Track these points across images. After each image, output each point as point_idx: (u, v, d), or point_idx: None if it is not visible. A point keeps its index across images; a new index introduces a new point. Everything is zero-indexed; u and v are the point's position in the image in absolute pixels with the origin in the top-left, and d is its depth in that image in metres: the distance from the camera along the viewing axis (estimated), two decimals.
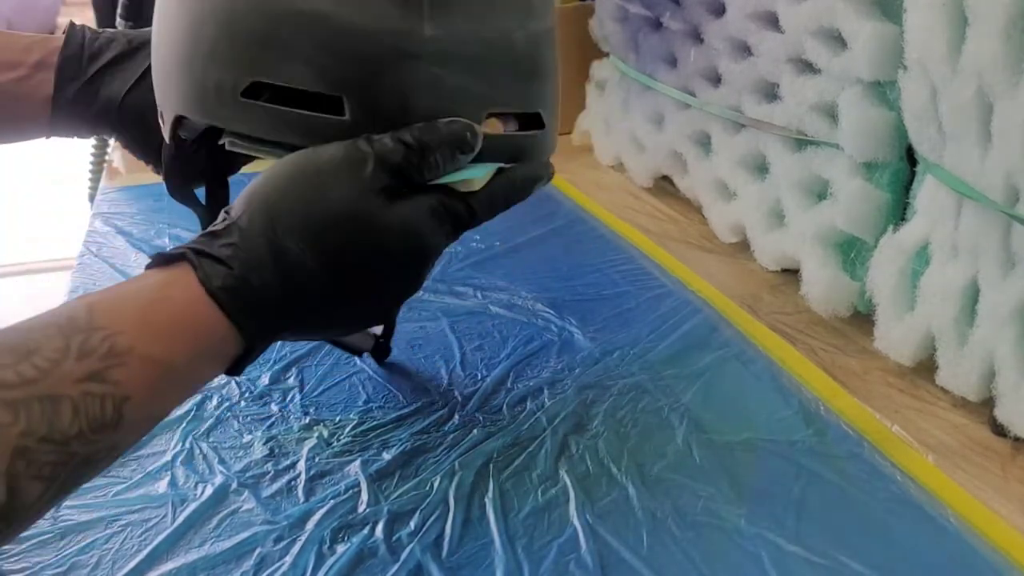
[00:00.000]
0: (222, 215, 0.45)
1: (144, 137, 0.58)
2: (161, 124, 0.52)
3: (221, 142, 0.48)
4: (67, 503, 0.54)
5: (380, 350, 0.67)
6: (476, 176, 0.48)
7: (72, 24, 0.58)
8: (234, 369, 0.45)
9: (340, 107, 0.46)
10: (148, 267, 0.43)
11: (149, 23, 0.54)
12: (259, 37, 0.46)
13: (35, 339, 0.37)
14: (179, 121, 0.50)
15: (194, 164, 0.57)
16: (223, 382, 0.66)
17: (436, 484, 0.55)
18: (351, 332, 0.53)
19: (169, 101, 0.50)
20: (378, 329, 0.66)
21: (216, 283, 0.42)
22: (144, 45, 0.57)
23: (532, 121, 0.53)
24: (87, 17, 0.97)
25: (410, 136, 0.45)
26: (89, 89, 0.57)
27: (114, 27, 1.02)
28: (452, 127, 0.46)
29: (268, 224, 0.43)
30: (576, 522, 0.52)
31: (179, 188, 0.56)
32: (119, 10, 0.81)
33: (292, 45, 0.45)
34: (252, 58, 0.46)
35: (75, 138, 0.60)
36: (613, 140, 1.11)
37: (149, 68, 0.53)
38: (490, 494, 0.54)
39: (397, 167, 0.45)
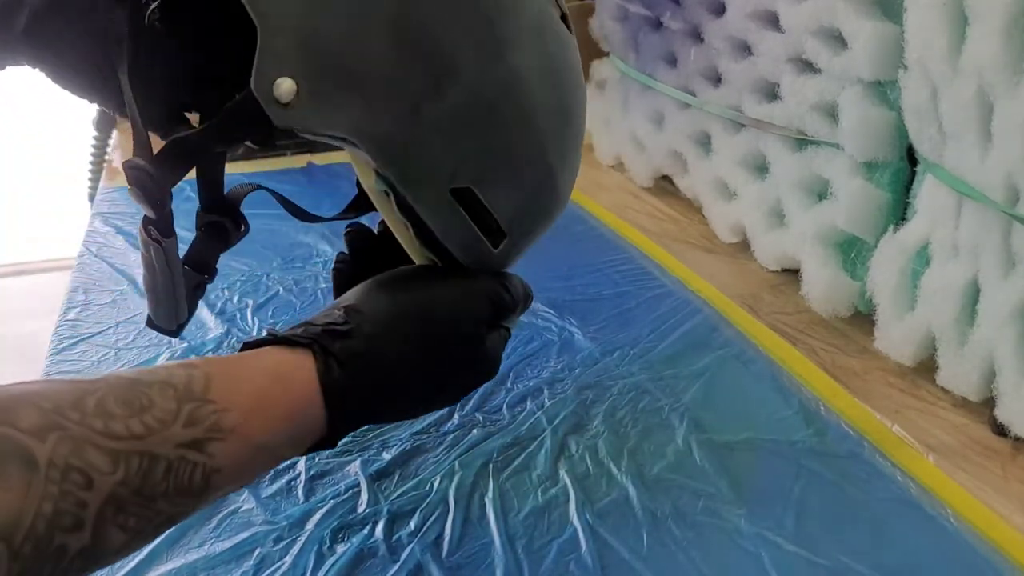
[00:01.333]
0: (340, 312, 0.47)
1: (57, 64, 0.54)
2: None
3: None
4: None
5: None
6: None
7: None
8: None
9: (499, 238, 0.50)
10: (266, 342, 0.45)
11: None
12: (505, 159, 0.49)
13: (149, 396, 0.38)
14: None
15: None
16: None
17: (436, 484, 0.55)
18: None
19: (338, 114, 0.45)
20: None
21: (335, 384, 0.44)
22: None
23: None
24: None
25: (512, 285, 0.52)
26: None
27: None
28: (527, 288, 0.54)
29: (390, 338, 0.46)
30: (576, 522, 0.52)
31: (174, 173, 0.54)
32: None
33: (521, 183, 0.50)
34: (484, 168, 0.48)
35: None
36: (613, 140, 1.11)
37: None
38: (490, 494, 0.54)
39: (497, 309, 0.50)
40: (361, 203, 0.63)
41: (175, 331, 0.60)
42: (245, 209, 0.61)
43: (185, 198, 0.57)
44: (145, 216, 0.51)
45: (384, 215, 0.53)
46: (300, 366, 0.44)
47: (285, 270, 0.84)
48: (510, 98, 0.47)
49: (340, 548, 0.50)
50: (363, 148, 0.46)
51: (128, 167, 0.48)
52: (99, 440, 0.36)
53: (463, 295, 0.50)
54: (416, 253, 0.52)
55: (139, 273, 0.84)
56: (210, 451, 0.39)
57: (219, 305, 0.78)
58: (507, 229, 0.50)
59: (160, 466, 0.37)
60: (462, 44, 0.46)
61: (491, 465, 0.57)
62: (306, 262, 0.86)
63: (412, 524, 0.52)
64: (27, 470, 0.33)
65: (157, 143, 0.49)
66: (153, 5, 0.48)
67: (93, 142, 1.16)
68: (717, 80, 0.89)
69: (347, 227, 0.61)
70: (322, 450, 0.46)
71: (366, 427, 0.61)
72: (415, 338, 0.47)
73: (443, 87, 0.45)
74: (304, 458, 0.58)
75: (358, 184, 0.60)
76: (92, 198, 1.13)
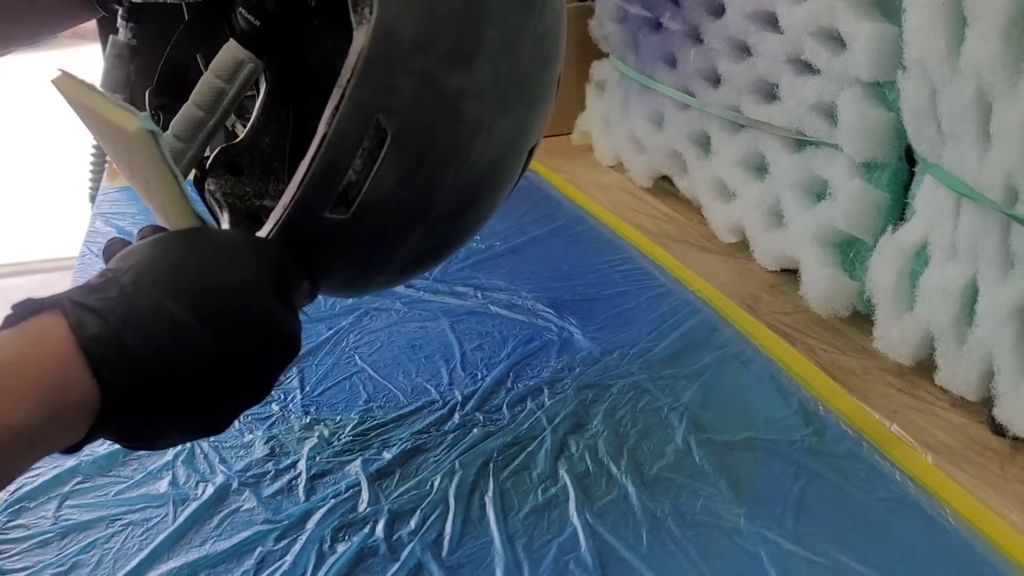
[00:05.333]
0: (100, 273, 0.42)
1: None
2: None
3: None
4: (68, 502, 0.54)
5: None
6: None
7: None
8: (80, 444, 0.40)
9: None
10: (16, 316, 0.39)
11: (150, 25, 0.54)
12: None
13: None
14: None
15: None
16: None
17: (436, 483, 0.55)
18: (210, 429, 0.45)
19: None
20: None
21: (89, 332, 0.38)
22: None
23: None
24: None
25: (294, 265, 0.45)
26: None
27: (116, 30, 1.02)
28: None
29: (155, 286, 0.40)
30: (576, 521, 0.52)
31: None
32: (120, 11, 0.82)
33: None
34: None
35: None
36: (613, 140, 1.11)
37: None
38: (490, 493, 0.55)
39: (285, 275, 0.44)
40: None
41: None
42: None
43: None
44: None
45: (142, 166, 0.46)
46: (51, 326, 0.38)
47: None
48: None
49: (341, 547, 0.51)
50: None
51: None
52: None
53: (244, 240, 0.44)
54: (179, 212, 0.45)
55: None
56: None
57: None
58: (359, 210, 0.46)
59: None
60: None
61: (491, 465, 0.57)
62: None
63: (412, 523, 0.52)
64: None
65: None
66: None
67: (94, 143, 1.16)
68: (716, 81, 0.89)
69: None
70: (114, 437, 0.41)
71: (366, 425, 0.61)
72: (194, 281, 0.41)
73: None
74: (305, 457, 0.58)
75: None
76: (93, 198, 1.13)
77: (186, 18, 0.58)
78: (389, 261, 0.51)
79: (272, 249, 0.45)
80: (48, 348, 0.38)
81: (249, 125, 0.59)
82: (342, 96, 0.44)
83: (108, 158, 1.17)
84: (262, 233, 0.47)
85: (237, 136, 0.60)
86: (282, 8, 0.52)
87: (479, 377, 0.67)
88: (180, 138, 0.51)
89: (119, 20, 0.92)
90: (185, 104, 0.52)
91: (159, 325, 0.39)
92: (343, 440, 0.60)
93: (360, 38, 0.44)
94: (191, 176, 0.54)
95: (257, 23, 0.51)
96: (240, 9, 0.51)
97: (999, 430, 0.58)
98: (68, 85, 0.46)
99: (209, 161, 0.56)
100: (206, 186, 0.56)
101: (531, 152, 0.54)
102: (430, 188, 0.48)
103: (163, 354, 0.39)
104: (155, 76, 0.58)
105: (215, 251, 0.43)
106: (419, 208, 0.49)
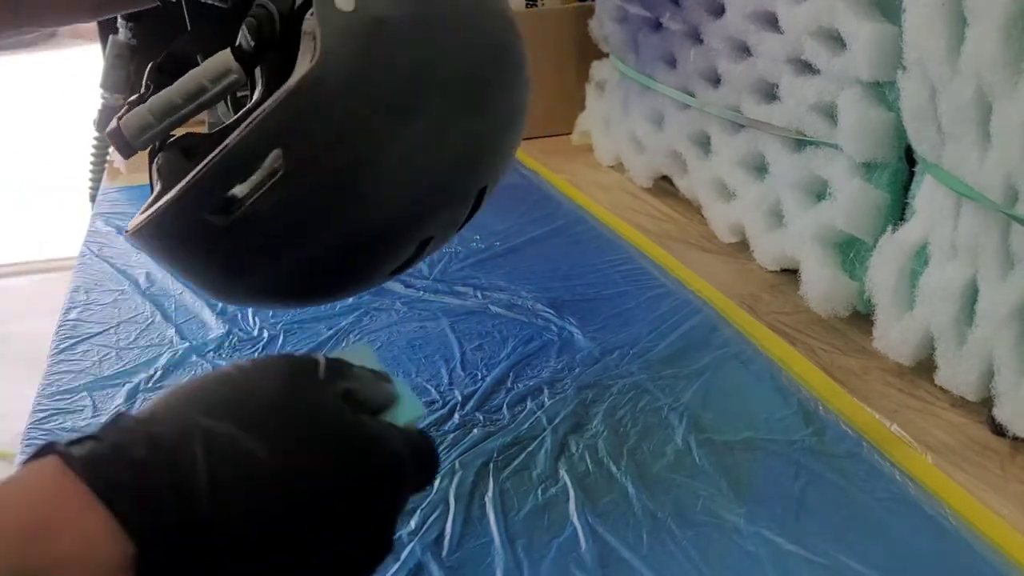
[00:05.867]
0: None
1: None
2: None
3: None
4: None
5: None
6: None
7: None
8: None
9: None
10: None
11: (149, 25, 0.54)
12: None
13: None
14: None
15: None
16: None
17: (436, 483, 0.55)
18: None
19: None
20: None
21: (78, 453, 0.31)
22: None
23: None
24: None
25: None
26: None
27: (116, 30, 1.03)
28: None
29: (180, 409, 0.33)
30: (576, 521, 0.52)
31: None
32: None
33: None
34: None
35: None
36: (613, 140, 1.11)
37: None
38: (490, 493, 0.55)
39: (347, 387, 0.37)
40: None
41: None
42: None
43: None
44: None
45: None
46: (42, 464, 0.31)
47: None
48: None
49: None
50: None
51: None
52: None
53: (289, 360, 0.36)
54: None
55: (140, 273, 0.85)
56: None
57: (220, 304, 0.78)
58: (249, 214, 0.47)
59: None
60: None
61: (491, 465, 0.57)
62: None
63: (412, 523, 0.52)
64: None
65: None
66: None
67: (94, 142, 1.16)
68: (716, 81, 0.90)
69: None
70: None
71: None
72: (230, 399, 0.33)
73: None
74: None
75: None
76: (93, 198, 1.13)
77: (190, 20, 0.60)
78: (252, 279, 0.53)
79: (325, 363, 0.37)
80: (34, 481, 0.30)
81: (222, 125, 0.62)
82: (255, 117, 0.46)
83: (108, 157, 1.17)
84: (141, 217, 0.50)
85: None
86: (279, 38, 0.54)
87: (479, 377, 0.67)
88: (152, 113, 0.54)
89: (119, 20, 0.92)
90: (168, 87, 0.55)
91: (182, 441, 0.31)
92: None
93: (295, 75, 0.47)
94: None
95: (252, 44, 0.53)
96: (243, 27, 0.53)
97: (999, 430, 0.58)
98: None
99: (170, 140, 0.59)
100: (156, 159, 0.58)
101: (424, 243, 0.54)
102: (301, 235, 0.50)
103: (195, 474, 0.30)
104: (162, 53, 0.61)
105: (256, 368, 0.35)
106: (288, 246, 0.50)
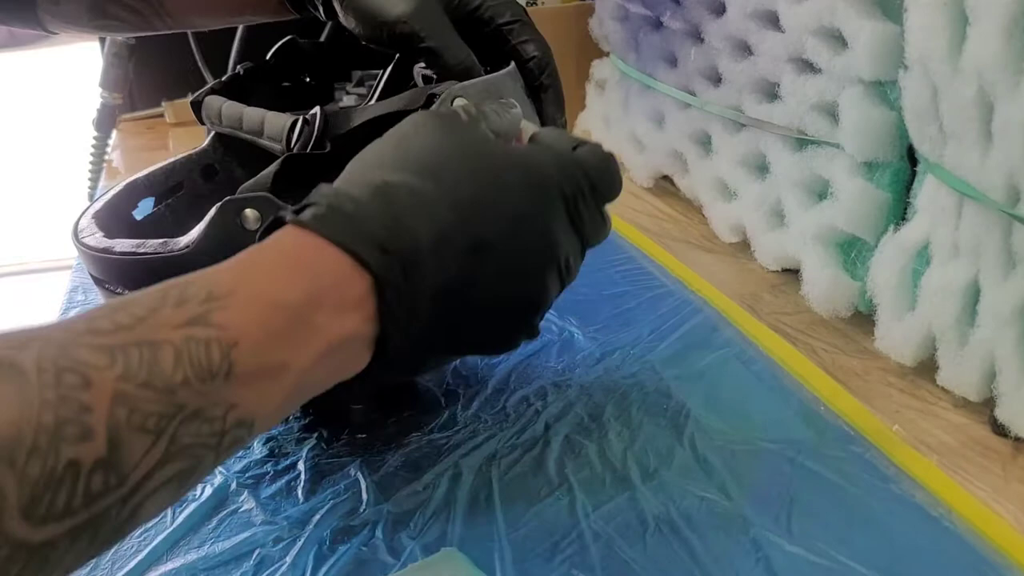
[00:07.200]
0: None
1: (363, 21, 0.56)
2: None
3: None
4: None
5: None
6: None
7: None
8: (382, 350, 0.38)
9: None
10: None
11: None
12: None
13: (130, 298, 0.33)
14: None
15: None
16: None
17: (437, 484, 0.55)
18: (507, 315, 0.43)
19: None
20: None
21: (308, 215, 0.38)
22: None
23: None
24: None
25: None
26: None
27: None
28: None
29: (364, 172, 0.40)
30: (577, 522, 0.52)
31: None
32: None
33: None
34: None
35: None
36: (613, 140, 1.11)
37: None
38: (490, 494, 0.54)
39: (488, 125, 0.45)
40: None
41: None
42: None
43: None
44: None
45: None
46: (277, 234, 0.38)
47: None
48: None
49: (340, 548, 0.51)
50: None
51: None
52: (86, 339, 0.31)
53: (433, 110, 0.45)
54: None
55: None
56: (216, 322, 0.33)
57: None
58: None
59: (165, 352, 0.32)
60: None
61: (492, 465, 0.57)
62: None
63: (413, 524, 0.52)
64: (15, 378, 0.29)
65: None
66: None
67: (93, 142, 1.16)
68: (717, 80, 0.89)
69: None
70: (406, 330, 0.38)
71: (369, 428, 0.61)
72: (395, 153, 0.41)
73: None
74: (304, 458, 0.58)
75: None
76: (92, 198, 1.13)
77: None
78: None
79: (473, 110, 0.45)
80: (279, 238, 0.38)
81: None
82: None
83: (107, 157, 1.17)
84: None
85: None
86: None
87: (480, 377, 0.67)
88: (225, 116, 0.58)
89: None
90: (247, 106, 0.58)
91: (374, 192, 0.39)
92: (342, 441, 0.60)
93: None
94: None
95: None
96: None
97: (1001, 430, 0.58)
98: None
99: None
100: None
101: None
102: None
103: (393, 212, 0.38)
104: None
105: (413, 124, 0.43)
106: None
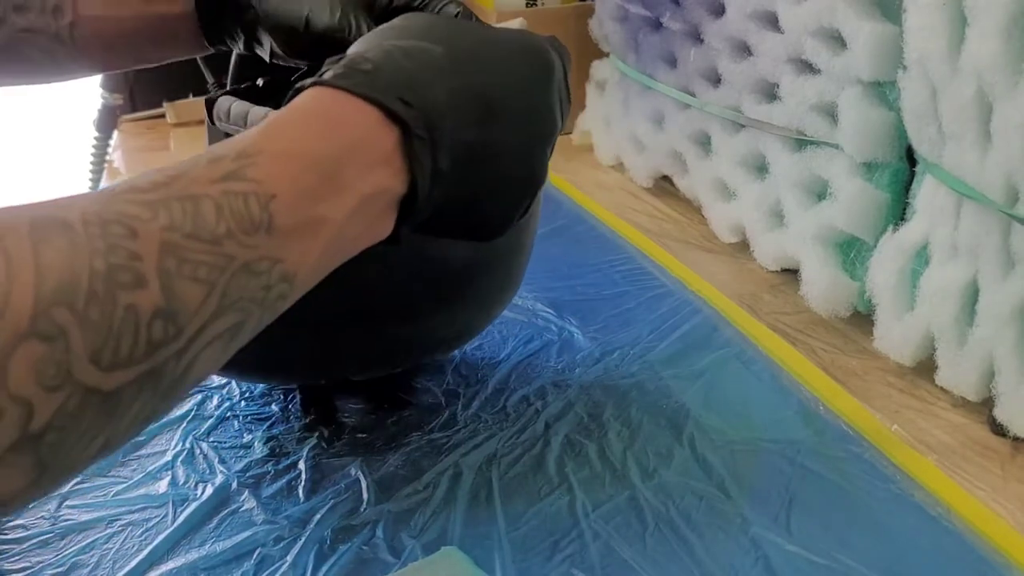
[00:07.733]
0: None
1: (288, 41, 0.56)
2: None
3: None
4: (68, 503, 0.54)
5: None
6: None
7: None
8: (412, 192, 0.39)
9: None
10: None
11: None
12: None
13: (163, 166, 0.34)
14: None
15: None
16: (222, 382, 0.66)
17: (437, 484, 0.55)
18: (510, 169, 0.43)
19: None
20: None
21: (328, 76, 0.38)
22: None
23: None
24: None
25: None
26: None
27: None
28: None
29: (376, 42, 0.42)
30: (576, 521, 0.52)
31: None
32: None
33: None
34: None
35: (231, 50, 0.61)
36: (613, 140, 1.11)
37: None
38: (490, 493, 0.54)
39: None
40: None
41: None
42: None
43: None
44: None
45: None
46: (302, 96, 0.39)
47: None
48: None
49: (341, 548, 0.51)
50: None
51: None
52: (127, 195, 0.31)
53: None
54: None
55: None
56: (251, 176, 0.33)
57: None
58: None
59: (205, 205, 0.32)
60: None
61: (492, 465, 0.57)
62: None
63: (413, 524, 0.52)
64: (64, 230, 0.29)
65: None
66: None
67: (94, 143, 1.16)
68: (717, 80, 0.89)
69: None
70: (432, 170, 0.39)
71: (366, 425, 0.61)
72: (413, 30, 0.42)
73: None
74: (305, 458, 0.58)
75: None
76: None
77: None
78: None
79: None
80: (304, 99, 0.38)
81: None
82: None
83: (107, 157, 1.17)
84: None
85: None
86: None
87: (479, 377, 0.67)
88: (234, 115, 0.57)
89: None
90: (244, 104, 0.57)
91: (396, 51, 0.40)
92: (343, 440, 0.60)
93: None
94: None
95: None
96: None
97: (1000, 430, 0.58)
98: None
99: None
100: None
101: None
102: None
103: (415, 66, 0.39)
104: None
105: (427, 18, 0.45)
106: None
